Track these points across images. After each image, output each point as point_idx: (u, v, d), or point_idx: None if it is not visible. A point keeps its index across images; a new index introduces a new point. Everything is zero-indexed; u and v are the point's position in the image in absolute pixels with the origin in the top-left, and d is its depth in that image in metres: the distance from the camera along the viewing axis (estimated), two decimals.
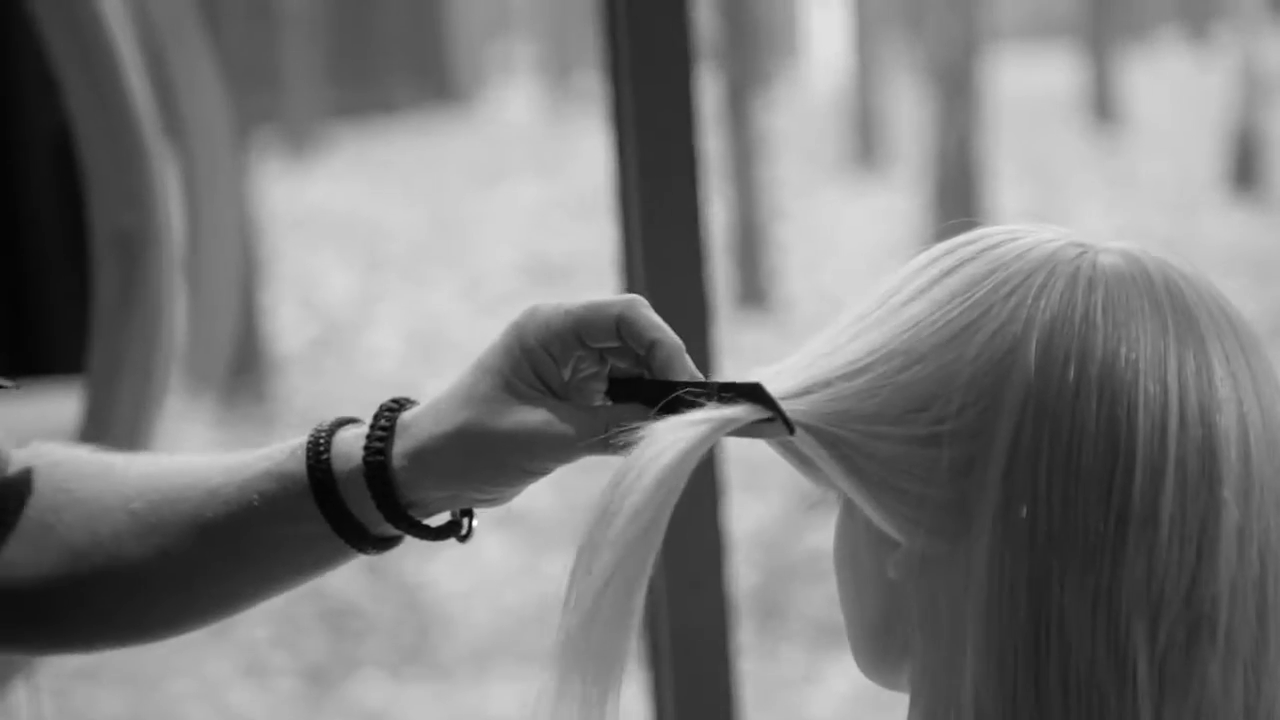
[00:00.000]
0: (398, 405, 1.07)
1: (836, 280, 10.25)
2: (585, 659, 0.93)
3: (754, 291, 9.91)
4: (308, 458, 1.07)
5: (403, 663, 5.50)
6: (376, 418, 1.06)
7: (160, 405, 1.73)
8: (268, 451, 1.09)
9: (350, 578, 5.86)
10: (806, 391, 0.96)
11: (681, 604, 2.01)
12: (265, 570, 1.11)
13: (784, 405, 0.95)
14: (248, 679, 5.39)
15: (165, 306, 1.72)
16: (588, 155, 13.43)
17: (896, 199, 12.05)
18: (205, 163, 2.61)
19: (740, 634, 2.12)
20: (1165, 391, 0.90)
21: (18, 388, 1.17)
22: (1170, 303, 0.93)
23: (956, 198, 9.98)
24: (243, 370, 8.04)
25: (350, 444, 1.07)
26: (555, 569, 5.94)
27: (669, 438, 0.93)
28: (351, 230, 12.16)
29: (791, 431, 0.95)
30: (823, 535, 5.83)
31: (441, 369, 8.55)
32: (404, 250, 11.67)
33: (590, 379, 1.03)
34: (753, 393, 0.96)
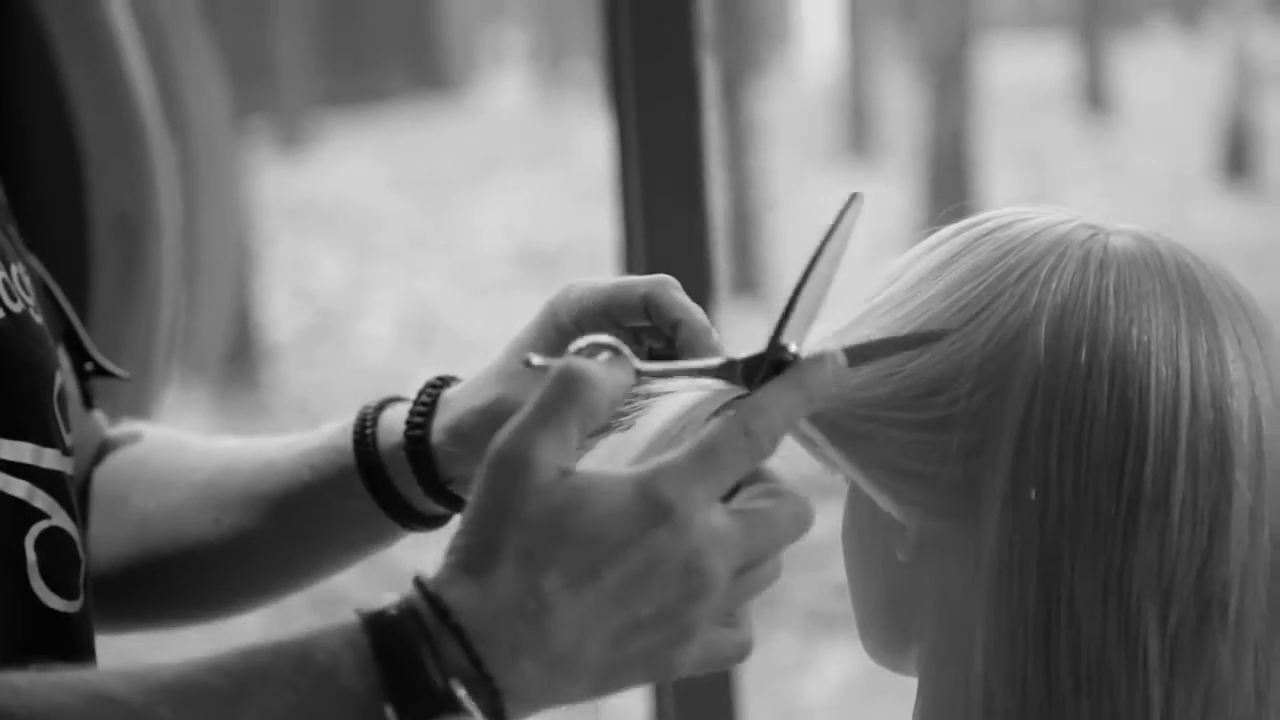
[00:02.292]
0: (441, 382, 1.08)
1: None
2: None
3: (747, 279, 9.91)
4: (354, 433, 1.09)
5: None
6: (420, 394, 1.08)
7: (161, 390, 1.72)
8: (324, 429, 1.11)
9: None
10: None
11: None
12: (319, 546, 1.13)
13: None
14: None
15: (165, 291, 1.71)
16: (580, 143, 13.41)
17: (889, 188, 12.04)
18: (204, 152, 2.61)
19: None
20: (1177, 374, 0.90)
21: (130, 379, 1.19)
22: (1182, 285, 0.92)
23: (949, 187, 9.98)
24: (236, 358, 8.03)
25: (395, 420, 1.08)
26: None
27: (658, 407, 0.94)
28: (344, 218, 12.14)
29: None
30: (816, 523, 5.83)
31: (434, 356, 8.54)
32: (396, 238, 11.66)
33: None
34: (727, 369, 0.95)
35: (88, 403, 1.17)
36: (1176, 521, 0.89)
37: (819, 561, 5.65)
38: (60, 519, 1.01)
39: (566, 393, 0.83)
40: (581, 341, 0.87)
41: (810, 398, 0.86)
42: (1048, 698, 0.89)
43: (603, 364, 0.86)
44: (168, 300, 1.73)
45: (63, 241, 1.68)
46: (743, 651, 0.86)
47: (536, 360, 0.87)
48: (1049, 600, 0.89)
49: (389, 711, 0.80)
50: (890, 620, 0.97)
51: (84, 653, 1.03)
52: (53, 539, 1.00)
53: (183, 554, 1.14)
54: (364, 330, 9.49)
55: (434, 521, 1.11)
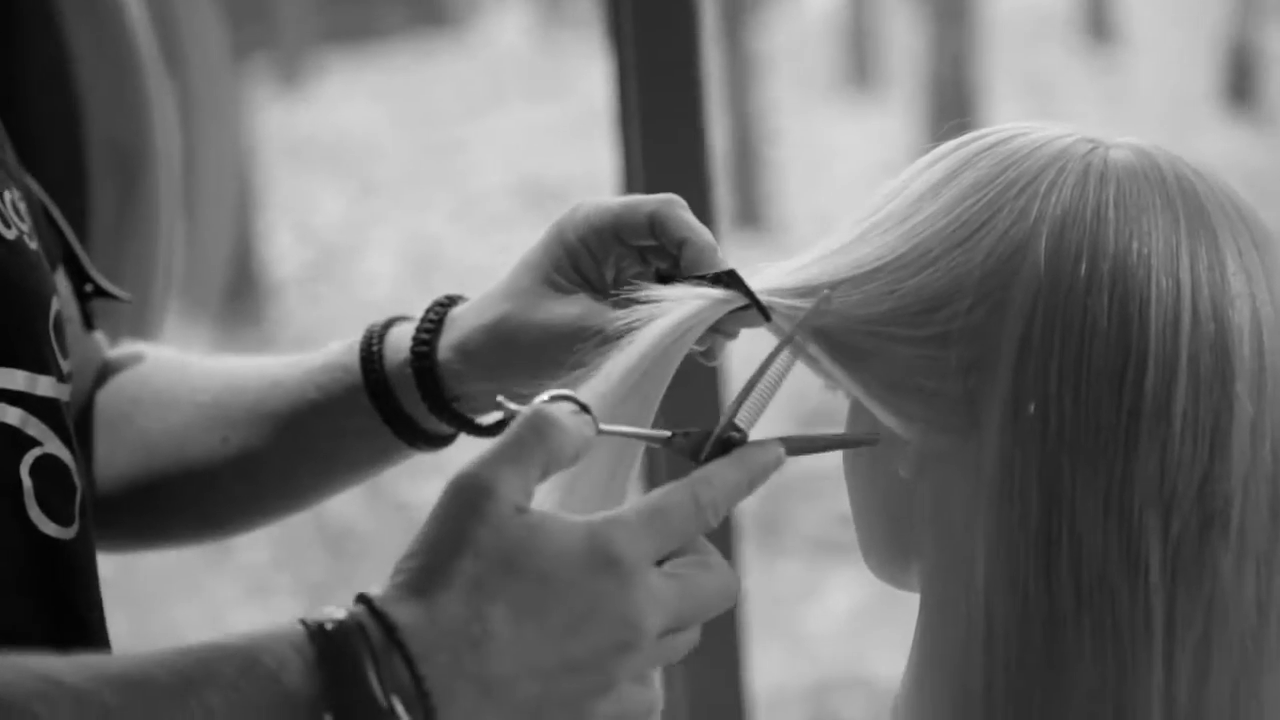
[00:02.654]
0: (449, 301, 1.09)
1: (833, 200, 10.22)
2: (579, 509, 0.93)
3: (750, 212, 9.89)
4: (360, 350, 1.10)
5: None
6: (426, 312, 1.09)
7: (160, 322, 1.72)
8: (330, 347, 1.12)
9: (349, 499, 5.87)
10: (813, 292, 0.95)
11: None
12: (324, 463, 1.14)
13: (790, 304, 0.95)
14: (250, 601, 5.41)
15: (163, 222, 1.71)
16: (580, 80, 13.37)
17: (891, 120, 12.01)
18: (202, 86, 2.60)
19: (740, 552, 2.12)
20: (1178, 286, 0.89)
21: (130, 300, 1.20)
22: (1182, 197, 0.92)
23: (952, 117, 9.93)
24: (238, 295, 8.03)
25: (401, 338, 1.09)
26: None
27: (657, 314, 0.94)
28: (345, 156, 12.12)
29: (768, 319, 0.95)
30: (819, 455, 5.84)
31: (436, 292, 8.52)
32: (397, 175, 11.64)
33: (637, 278, 1.04)
34: (729, 279, 0.96)
35: (88, 324, 1.17)
36: (1178, 434, 0.88)
37: (822, 491, 5.66)
38: (54, 446, 1.01)
39: (536, 434, 0.85)
40: (548, 393, 0.88)
41: (750, 481, 0.89)
42: (1049, 610, 0.89)
43: (571, 414, 0.87)
44: (165, 231, 1.73)
45: (59, 173, 1.67)
46: (651, 711, 0.87)
47: (509, 405, 0.88)
48: (1050, 513, 0.89)
49: (328, 719, 0.81)
50: (892, 536, 0.97)
51: (83, 578, 1.03)
52: (47, 466, 1.00)
53: (188, 473, 1.14)
54: (366, 267, 9.49)
55: (439, 440, 1.11)
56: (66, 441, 1.02)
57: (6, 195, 1.03)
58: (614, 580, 0.83)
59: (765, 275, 0.97)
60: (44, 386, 1.01)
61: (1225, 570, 0.89)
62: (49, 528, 1.00)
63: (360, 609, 0.82)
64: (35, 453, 1.00)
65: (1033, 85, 12.99)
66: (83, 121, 1.71)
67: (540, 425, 0.85)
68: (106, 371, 1.18)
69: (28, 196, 1.08)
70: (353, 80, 15.27)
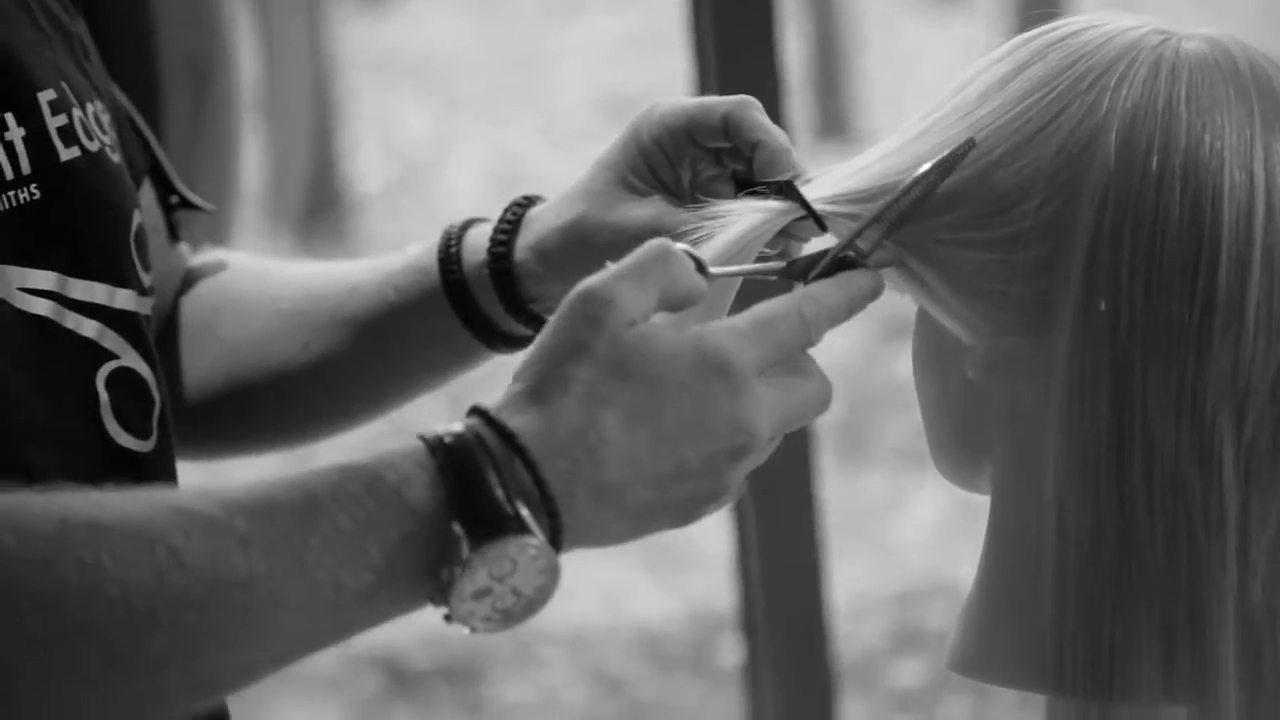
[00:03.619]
0: (526, 201, 1.09)
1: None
2: None
3: (835, 123, 9.83)
4: (439, 251, 1.11)
5: None
6: (504, 213, 1.09)
7: (232, 232, 1.73)
8: (408, 250, 1.14)
9: (433, 413, 5.91)
10: (876, 196, 0.93)
11: None
12: (404, 366, 1.15)
13: (852, 208, 0.94)
14: None
15: (236, 135, 1.71)
16: None
17: (978, 28, 11.90)
18: (279, 5, 2.59)
19: (822, 463, 2.11)
20: (1251, 179, 0.87)
21: (213, 210, 1.21)
22: (1256, 88, 0.90)
23: (1039, 25, 9.83)
24: (322, 211, 8.05)
25: (479, 239, 1.10)
26: None
27: (718, 229, 0.94)
28: (428, 70, 12.12)
29: (824, 229, 0.94)
30: (903, 364, 5.83)
31: None
32: (481, 89, 11.63)
33: (713, 180, 1.03)
34: (787, 189, 0.95)
35: (173, 235, 1.17)
36: (1251, 329, 0.87)
37: (907, 402, 5.64)
38: (131, 359, 1.01)
39: (657, 259, 0.86)
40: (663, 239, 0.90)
41: (850, 305, 0.90)
42: (1120, 511, 0.88)
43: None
44: (237, 142, 1.73)
45: (134, 86, 1.68)
46: (738, 499, 0.89)
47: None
48: (1121, 413, 0.88)
49: (456, 528, 0.82)
50: (962, 439, 0.96)
51: None
52: (123, 378, 1.01)
53: (270, 380, 1.16)
54: (450, 183, 9.50)
55: (518, 341, 1.12)
56: (146, 355, 1.02)
57: (89, 107, 1.03)
58: (724, 386, 0.84)
59: (828, 178, 0.96)
60: (123, 300, 1.01)
61: None
62: (125, 440, 1.01)
63: (476, 420, 0.84)
64: (111, 365, 1.00)
65: None
66: (157, 34, 1.72)
67: (661, 252, 0.86)
68: (189, 281, 1.19)
69: (113, 108, 1.08)
70: None
